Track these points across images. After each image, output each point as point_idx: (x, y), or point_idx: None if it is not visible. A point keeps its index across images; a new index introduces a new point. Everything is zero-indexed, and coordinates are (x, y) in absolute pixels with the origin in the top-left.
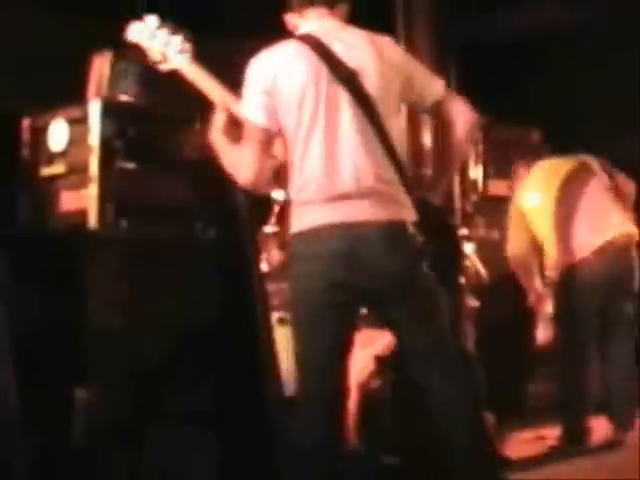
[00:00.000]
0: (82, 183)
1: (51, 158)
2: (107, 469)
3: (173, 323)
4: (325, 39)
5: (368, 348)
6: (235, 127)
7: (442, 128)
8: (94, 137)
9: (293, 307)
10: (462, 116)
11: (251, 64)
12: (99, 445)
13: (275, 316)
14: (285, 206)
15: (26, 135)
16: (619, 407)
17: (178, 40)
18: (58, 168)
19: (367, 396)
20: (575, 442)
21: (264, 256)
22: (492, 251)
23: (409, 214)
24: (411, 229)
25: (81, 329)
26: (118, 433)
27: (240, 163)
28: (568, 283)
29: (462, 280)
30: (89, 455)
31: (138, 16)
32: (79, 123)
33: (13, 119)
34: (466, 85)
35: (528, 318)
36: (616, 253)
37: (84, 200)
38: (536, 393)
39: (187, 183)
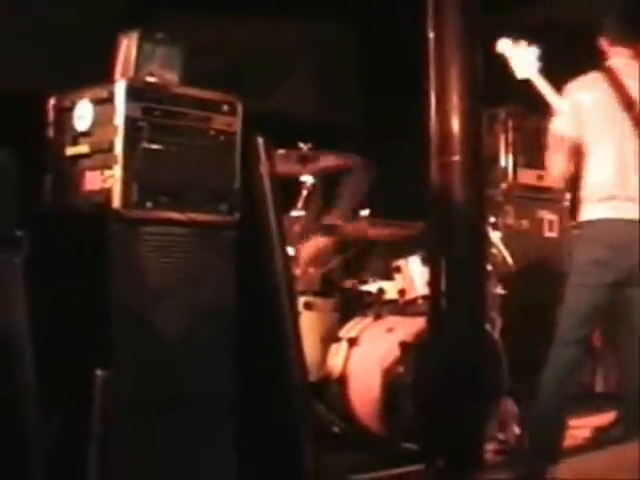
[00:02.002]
0: (107, 163)
1: (76, 138)
2: (124, 451)
3: (196, 305)
4: (619, 73)
5: (393, 334)
6: None
7: None
8: (119, 117)
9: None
10: None
11: (566, 90)
12: (117, 427)
13: (301, 300)
14: (313, 190)
15: (51, 115)
16: None
17: (530, 54)
18: (83, 148)
19: (391, 382)
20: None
21: (291, 241)
22: (520, 240)
23: None
24: None
25: (103, 310)
26: (137, 415)
27: (554, 163)
28: None
29: (489, 268)
30: (107, 436)
31: None
32: (104, 103)
33: (39, 99)
34: (496, 74)
35: (554, 307)
36: None
37: (108, 180)
38: None
39: (213, 164)
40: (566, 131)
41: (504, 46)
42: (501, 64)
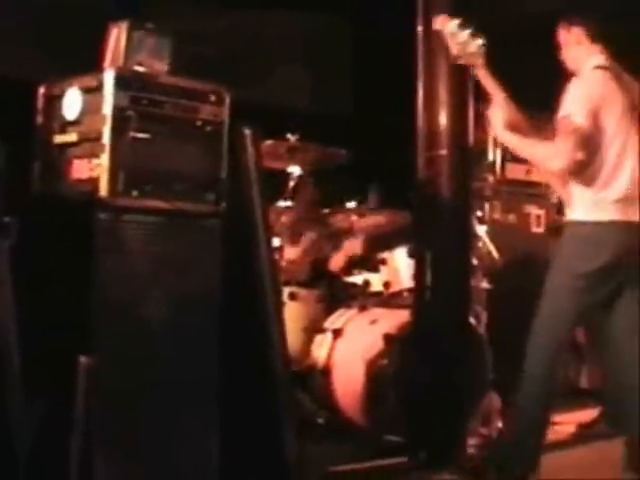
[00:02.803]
0: (94, 152)
1: (64, 126)
2: (107, 437)
3: (181, 293)
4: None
5: (377, 326)
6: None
7: None
8: (107, 106)
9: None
10: None
11: (579, 80)
12: (100, 413)
13: (286, 291)
14: (300, 182)
15: (41, 103)
16: None
17: (475, 42)
18: (71, 136)
19: (374, 374)
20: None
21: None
22: (507, 234)
23: None
24: None
25: (88, 296)
26: (120, 401)
27: (555, 151)
28: None
29: (474, 262)
30: (90, 423)
31: None
32: (93, 92)
33: (28, 87)
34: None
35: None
36: None
37: (96, 169)
38: None
39: (199, 154)
40: (579, 120)
41: (444, 23)
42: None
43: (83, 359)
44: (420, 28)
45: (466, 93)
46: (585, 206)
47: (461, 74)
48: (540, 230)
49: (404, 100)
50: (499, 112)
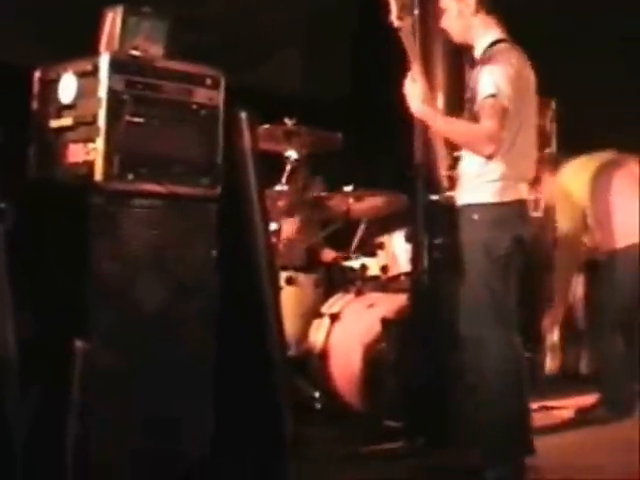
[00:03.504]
0: (90, 136)
1: (60, 110)
2: (105, 421)
3: (177, 277)
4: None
5: (374, 310)
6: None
7: None
8: (103, 90)
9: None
10: None
11: (506, 58)
12: (97, 397)
13: (283, 275)
14: (297, 165)
15: (36, 87)
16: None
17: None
18: (67, 120)
19: (372, 358)
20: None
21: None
22: None
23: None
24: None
25: (84, 281)
26: (116, 386)
27: (484, 134)
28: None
29: None
30: (86, 407)
31: None
32: (89, 76)
33: (24, 71)
34: None
35: (539, 288)
36: None
37: (91, 153)
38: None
39: (195, 138)
40: (505, 100)
41: None
42: None
43: (79, 343)
44: (416, 11)
45: (462, 76)
46: (495, 187)
47: (457, 58)
48: (538, 214)
49: (401, 84)
50: (418, 83)
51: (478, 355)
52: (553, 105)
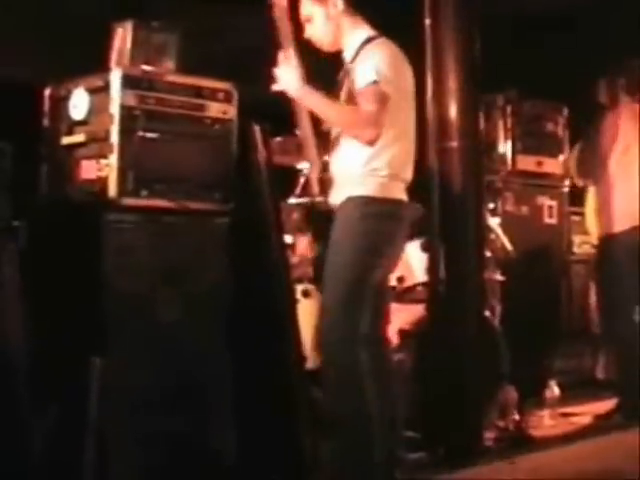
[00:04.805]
0: (102, 152)
1: (72, 127)
2: (122, 439)
3: (191, 293)
4: None
5: (392, 321)
6: None
7: None
8: (115, 106)
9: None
10: None
11: (388, 46)
12: (114, 413)
13: (299, 288)
14: (309, 177)
15: (47, 104)
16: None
17: None
18: (78, 137)
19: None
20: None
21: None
22: (520, 226)
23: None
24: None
25: (99, 297)
26: (134, 402)
27: (367, 120)
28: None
29: (488, 254)
30: (103, 424)
31: None
32: (100, 92)
33: (34, 88)
34: (493, 57)
35: (554, 294)
36: None
37: (104, 169)
38: (562, 369)
39: (208, 152)
40: (387, 88)
41: None
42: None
43: (95, 360)
44: (428, 21)
45: (475, 84)
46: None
47: (471, 66)
48: (553, 221)
49: (414, 93)
50: (294, 65)
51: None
52: (565, 111)
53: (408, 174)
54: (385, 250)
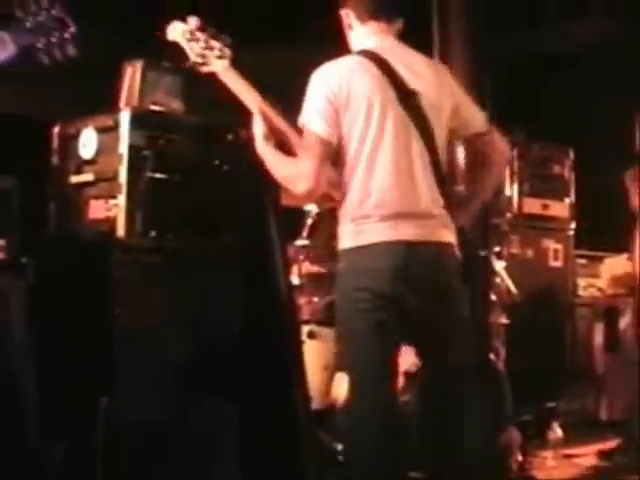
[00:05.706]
0: (111, 192)
1: (80, 166)
2: (130, 475)
3: (200, 333)
4: (387, 57)
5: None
6: (275, 136)
7: (480, 160)
8: (124, 146)
9: (341, 322)
10: (500, 153)
11: (315, 74)
12: (122, 451)
13: (305, 329)
14: (318, 219)
15: (56, 142)
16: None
17: (218, 44)
18: (87, 176)
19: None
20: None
21: (295, 269)
22: (525, 269)
23: (454, 236)
24: (456, 251)
25: (107, 337)
26: (141, 440)
27: (298, 173)
28: None
29: (493, 297)
30: (111, 461)
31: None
32: (109, 132)
33: (44, 126)
34: (500, 101)
35: (559, 336)
36: None
37: (113, 209)
38: (565, 411)
39: (217, 193)
40: (319, 131)
41: (175, 31)
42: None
43: (104, 398)
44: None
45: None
46: (348, 230)
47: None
48: (558, 264)
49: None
50: (258, 122)
51: None
52: (571, 154)
53: (391, 208)
54: None
